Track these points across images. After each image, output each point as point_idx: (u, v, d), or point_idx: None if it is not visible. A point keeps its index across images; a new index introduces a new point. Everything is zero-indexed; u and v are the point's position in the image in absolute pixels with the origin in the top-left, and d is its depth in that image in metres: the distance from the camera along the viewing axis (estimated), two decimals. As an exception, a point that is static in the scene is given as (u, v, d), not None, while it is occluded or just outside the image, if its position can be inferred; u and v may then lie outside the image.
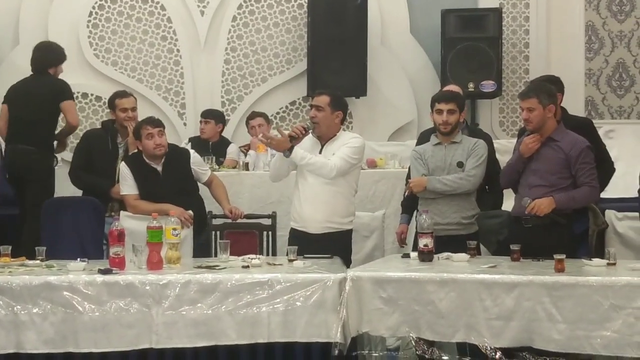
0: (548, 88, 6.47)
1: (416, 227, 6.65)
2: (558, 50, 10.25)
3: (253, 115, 9.22)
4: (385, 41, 10.21)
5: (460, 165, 6.59)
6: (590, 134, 6.94)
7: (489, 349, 5.36)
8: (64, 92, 8.12)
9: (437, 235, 6.10)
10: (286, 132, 6.72)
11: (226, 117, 9.68)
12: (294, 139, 6.62)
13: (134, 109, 7.83)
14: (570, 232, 6.36)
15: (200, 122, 9.24)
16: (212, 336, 5.44)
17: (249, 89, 10.16)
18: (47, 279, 5.48)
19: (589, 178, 6.23)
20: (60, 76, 9.05)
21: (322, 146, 6.72)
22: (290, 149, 6.57)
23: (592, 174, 6.25)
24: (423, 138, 7.28)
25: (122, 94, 7.94)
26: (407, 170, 7.33)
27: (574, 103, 8.98)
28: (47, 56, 8.39)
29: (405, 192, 6.96)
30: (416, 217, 6.62)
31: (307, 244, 6.42)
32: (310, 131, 6.70)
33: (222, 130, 9.26)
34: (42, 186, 7.87)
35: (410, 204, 7.05)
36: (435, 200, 6.55)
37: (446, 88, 7.85)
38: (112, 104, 7.88)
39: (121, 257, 5.75)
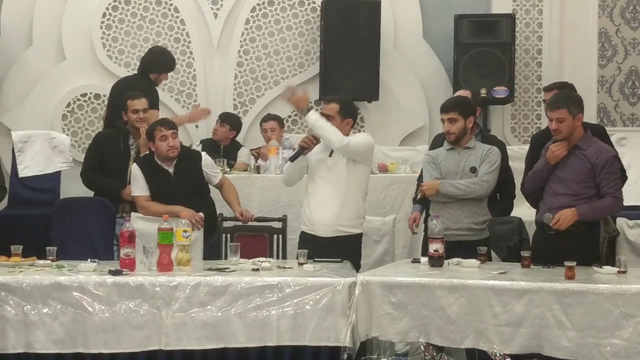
0: (577, 97, 6.41)
1: (424, 231, 6.67)
2: (571, 57, 10.23)
3: (267, 117, 9.23)
4: (398, 45, 10.21)
5: (474, 170, 6.59)
6: (603, 141, 6.93)
7: (498, 355, 5.36)
8: (149, 100, 8.15)
9: (447, 241, 6.10)
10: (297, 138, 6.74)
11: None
12: (306, 150, 6.64)
13: (145, 110, 7.81)
14: (594, 239, 6.32)
15: (217, 121, 9.27)
16: (221, 339, 5.46)
17: (261, 92, 10.16)
18: (58, 279, 5.50)
19: (613, 188, 6.18)
20: (73, 76, 9.18)
21: (332, 150, 6.72)
22: (309, 109, 6.60)
23: (616, 184, 6.20)
24: (437, 141, 7.29)
25: (133, 96, 7.92)
26: (418, 174, 7.32)
27: (586, 110, 8.72)
28: (152, 61, 8.67)
29: (417, 195, 6.93)
30: (427, 221, 6.62)
31: (317, 248, 6.41)
32: (320, 140, 6.69)
33: (235, 136, 9.29)
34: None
35: (424, 200, 7.01)
36: (447, 205, 6.54)
37: (456, 94, 7.85)
38: (123, 105, 7.88)
39: (132, 259, 5.76)
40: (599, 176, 6.15)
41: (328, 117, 6.66)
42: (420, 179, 7.15)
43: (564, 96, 6.49)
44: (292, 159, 6.73)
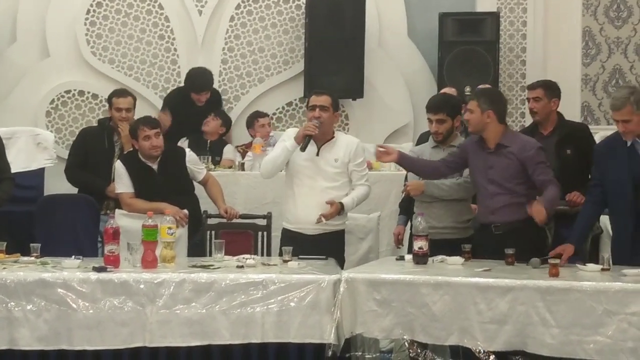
0: (490, 94, 6.52)
1: (410, 229, 6.68)
2: (555, 56, 10.25)
3: (261, 114, 9.28)
4: (383, 43, 10.22)
5: (459, 169, 6.58)
6: (587, 140, 6.97)
7: (482, 352, 5.37)
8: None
9: (432, 239, 6.09)
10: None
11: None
12: (311, 138, 6.62)
13: (128, 110, 7.81)
14: (541, 238, 6.35)
15: (210, 115, 9.26)
16: (206, 335, 5.45)
17: (245, 89, 10.15)
18: (42, 276, 5.49)
19: (549, 175, 6.17)
20: (57, 73, 9.24)
21: (319, 148, 6.69)
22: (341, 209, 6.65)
23: (549, 171, 6.21)
24: (422, 139, 7.31)
25: (120, 93, 7.93)
26: (403, 172, 7.33)
27: (570, 108, 8.98)
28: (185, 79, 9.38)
29: (402, 194, 6.93)
30: (412, 219, 6.64)
31: (302, 245, 6.42)
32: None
33: (223, 134, 9.29)
34: None
35: (408, 205, 7.04)
36: (431, 204, 6.53)
37: (441, 92, 7.84)
38: (110, 101, 7.89)
39: (116, 255, 5.75)
40: (531, 168, 6.15)
41: (323, 108, 6.66)
42: (407, 178, 7.18)
43: (480, 90, 6.83)
44: (303, 148, 6.63)
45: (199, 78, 9.16)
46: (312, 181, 6.65)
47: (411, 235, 6.79)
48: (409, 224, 7.04)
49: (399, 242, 7.11)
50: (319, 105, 6.67)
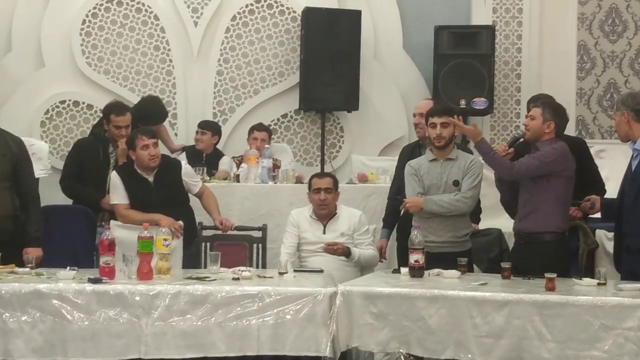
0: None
1: (397, 240, 6.70)
2: (550, 69, 10.27)
3: (260, 127, 9.13)
4: (378, 56, 10.23)
5: (456, 184, 6.53)
6: (583, 154, 6.95)
7: (478, 366, 5.36)
8: None
9: (429, 252, 6.09)
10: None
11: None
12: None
13: (128, 127, 7.75)
14: (564, 251, 6.35)
15: (197, 132, 9.25)
16: (201, 348, 5.44)
17: (240, 100, 10.14)
18: (37, 287, 5.46)
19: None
20: (52, 83, 9.24)
21: (325, 226, 7.09)
22: (348, 253, 6.93)
23: None
24: (405, 152, 7.35)
25: (118, 111, 7.78)
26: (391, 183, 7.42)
27: (564, 122, 8.99)
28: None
29: (400, 210, 6.86)
30: (401, 231, 6.67)
31: None
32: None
33: (217, 143, 9.27)
34: None
35: (392, 219, 7.14)
36: (430, 219, 6.48)
37: (422, 103, 7.78)
38: (107, 116, 7.82)
39: (111, 267, 5.73)
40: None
41: (327, 191, 7.09)
42: (393, 185, 7.24)
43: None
44: None
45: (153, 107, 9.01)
46: (323, 257, 6.89)
47: (398, 248, 6.86)
48: (392, 236, 7.18)
49: (382, 255, 7.20)
50: (325, 188, 7.09)
